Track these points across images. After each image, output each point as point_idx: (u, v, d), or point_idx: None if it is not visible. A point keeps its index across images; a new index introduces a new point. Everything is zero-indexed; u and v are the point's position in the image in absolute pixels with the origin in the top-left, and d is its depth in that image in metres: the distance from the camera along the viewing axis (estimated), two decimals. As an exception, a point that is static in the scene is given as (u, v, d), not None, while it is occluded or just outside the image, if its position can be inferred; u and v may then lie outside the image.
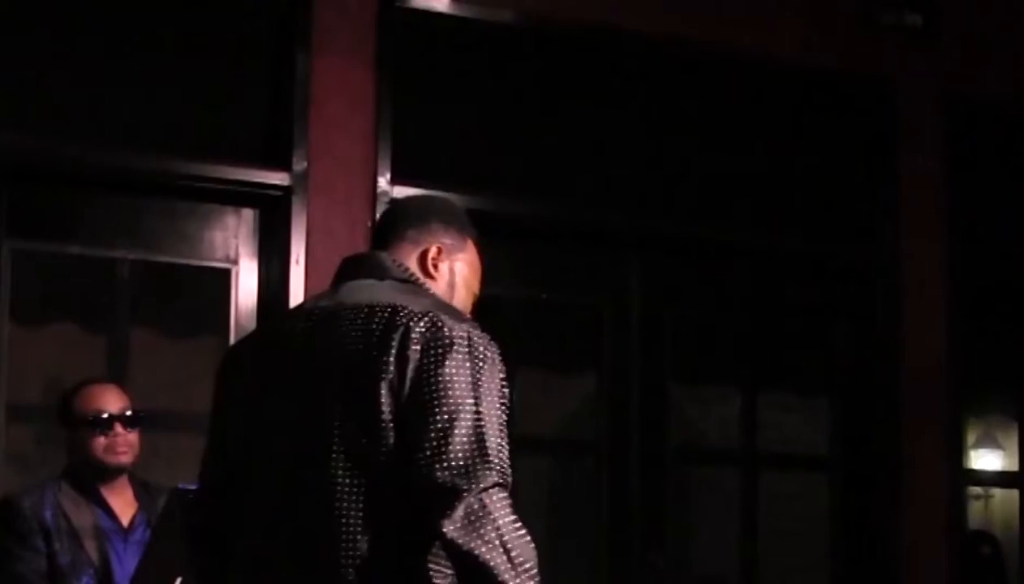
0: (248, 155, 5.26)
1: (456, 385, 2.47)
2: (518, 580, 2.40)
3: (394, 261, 2.74)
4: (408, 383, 2.48)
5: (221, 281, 5.31)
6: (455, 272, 2.81)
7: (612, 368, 5.92)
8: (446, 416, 2.45)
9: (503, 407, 2.52)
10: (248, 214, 5.34)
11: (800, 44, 6.06)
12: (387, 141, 5.35)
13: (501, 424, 2.50)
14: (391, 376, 2.49)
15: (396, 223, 2.81)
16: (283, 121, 5.28)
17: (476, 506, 2.40)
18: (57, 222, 5.15)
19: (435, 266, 2.78)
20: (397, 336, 2.51)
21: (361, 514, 2.48)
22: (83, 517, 4.42)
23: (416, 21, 5.49)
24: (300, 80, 5.26)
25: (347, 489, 2.49)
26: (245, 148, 5.28)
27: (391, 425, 2.48)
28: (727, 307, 6.15)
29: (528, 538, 2.44)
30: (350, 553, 2.47)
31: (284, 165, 5.23)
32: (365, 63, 5.37)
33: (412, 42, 5.48)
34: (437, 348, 2.50)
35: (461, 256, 2.82)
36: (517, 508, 2.47)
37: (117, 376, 4.95)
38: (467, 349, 2.51)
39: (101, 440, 4.46)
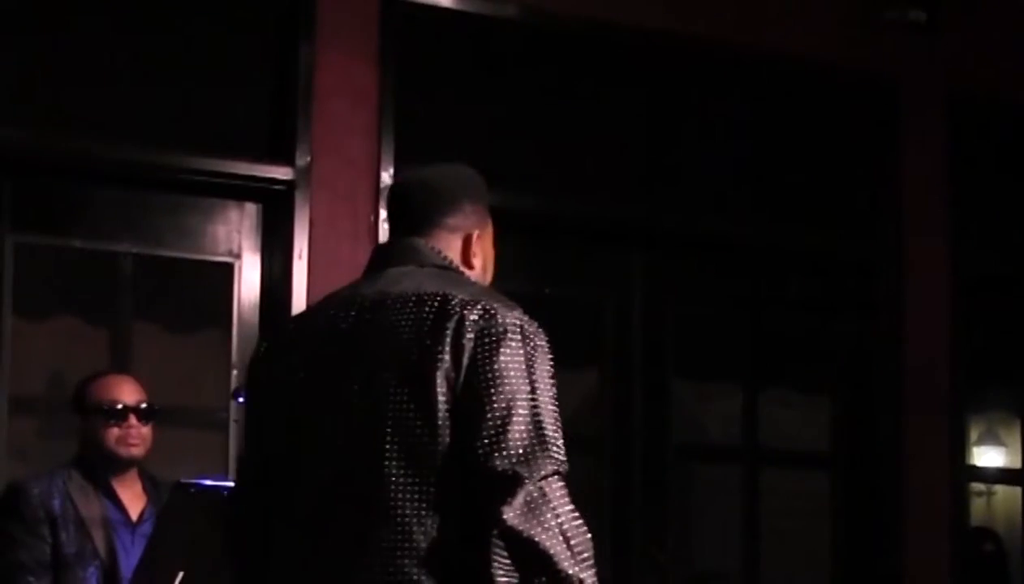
0: (251, 149, 5.26)
1: (512, 373, 2.47)
2: (577, 568, 2.40)
3: (432, 248, 2.70)
4: (464, 372, 2.47)
5: (224, 275, 5.32)
6: (486, 254, 2.79)
7: (614, 364, 5.92)
8: (504, 404, 2.44)
9: (554, 395, 2.52)
10: (251, 208, 5.34)
11: (803, 40, 6.06)
12: (390, 136, 5.35)
13: (555, 412, 2.50)
14: (447, 365, 2.47)
15: (426, 206, 2.74)
16: (286, 116, 5.28)
17: (536, 494, 2.40)
18: (60, 216, 5.15)
19: (475, 253, 2.76)
20: (451, 325, 2.49)
21: (416, 505, 2.46)
22: (92, 507, 4.37)
23: (419, 16, 5.48)
24: (303, 75, 5.26)
25: (402, 479, 2.46)
26: (248, 142, 5.28)
27: (447, 414, 2.46)
28: (729, 304, 6.16)
29: (585, 527, 2.44)
30: (406, 545, 2.45)
31: (287, 160, 5.23)
32: (368, 58, 5.37)
33: (415, 37, 5.48)
34: (491, 337, 2.49)
35: (487, 235, 2.81)
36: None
37: (119, 370, 4.91)
38: (520, 337, 2.50)
39: (115, 431, 4.43)
